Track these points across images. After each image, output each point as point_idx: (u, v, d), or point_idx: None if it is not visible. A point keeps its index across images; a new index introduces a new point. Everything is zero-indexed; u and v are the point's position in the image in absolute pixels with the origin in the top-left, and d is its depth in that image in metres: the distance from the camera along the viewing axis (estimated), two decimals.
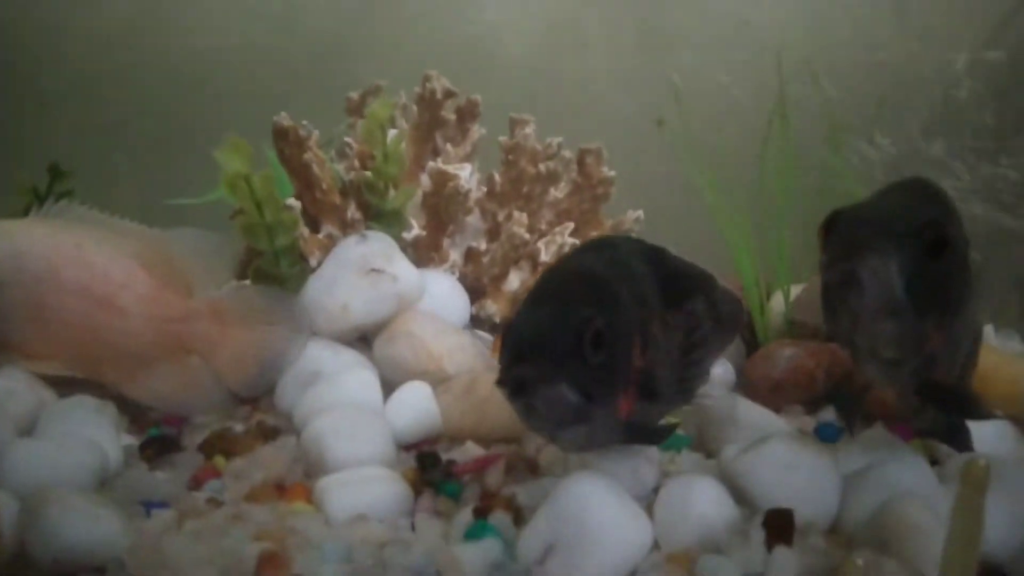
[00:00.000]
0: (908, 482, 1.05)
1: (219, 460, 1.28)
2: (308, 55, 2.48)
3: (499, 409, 1.30)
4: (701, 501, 0.97)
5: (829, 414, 1.48)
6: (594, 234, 1.83)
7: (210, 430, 1.36)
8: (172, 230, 1.46)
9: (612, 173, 1.77)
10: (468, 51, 2.48)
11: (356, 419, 1.26)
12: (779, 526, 0.93)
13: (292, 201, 1.48)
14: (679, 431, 1.35)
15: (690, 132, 1.94)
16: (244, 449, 1.30)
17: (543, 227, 1.80)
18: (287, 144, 1.58)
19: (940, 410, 1.12)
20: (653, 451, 1.14)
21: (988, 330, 2.02)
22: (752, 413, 1.31)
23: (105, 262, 1.37)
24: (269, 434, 1.35)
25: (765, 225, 1.77)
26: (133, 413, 1.42)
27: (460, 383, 1.38)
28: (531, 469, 1.20)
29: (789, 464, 1.04)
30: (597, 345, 0.93)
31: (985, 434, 1.31)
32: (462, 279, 1.73)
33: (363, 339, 1.55)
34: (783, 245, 1.76)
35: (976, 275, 1.11)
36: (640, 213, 1.84)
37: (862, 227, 0.94)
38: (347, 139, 1.66)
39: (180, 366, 1.42)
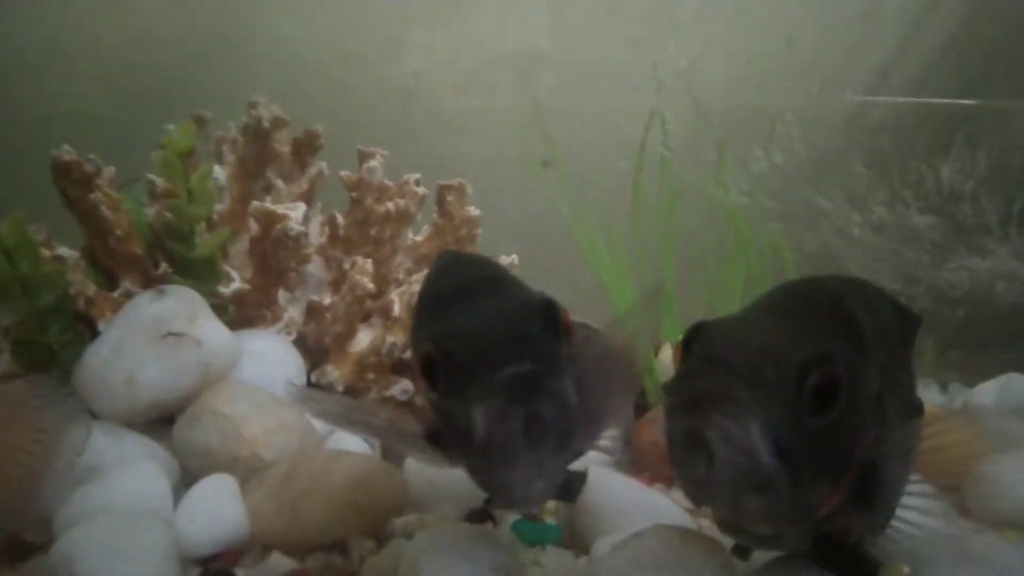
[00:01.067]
0: None
1: None
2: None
3: (321, 506, 1.04)
4: None
5: None
6: None
7: None
8: None
9: (476, 212, 1.55)
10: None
11: (123, 530, 0.98)
12: None
13: (64, 250, 1.20)
14: (548, 519, 1.12)
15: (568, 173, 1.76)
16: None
17: (400, 275, 1.57)
18: (70, 183, 1.30)
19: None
20: (502, 553, 0.90)
21: None
22: (633, 494, 1.08)
23: None
24: (19, 553, 1.05)
25: (647, 272, 1.59)
26: None
27: (275, 474, 1.12)
28: None
29: (666, 565, 0.81)
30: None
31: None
32: (301, 340, 1.47)
33: (169, 421, 1.26)
34: (670, 294, 1.58)
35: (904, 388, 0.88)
36: (514, 258, 1.61)
37: (717, 366, 0.68)
38: (151, 176, 1.38)
39: None
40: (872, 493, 0.75)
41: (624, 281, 1.54)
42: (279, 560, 1.01)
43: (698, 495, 0.71)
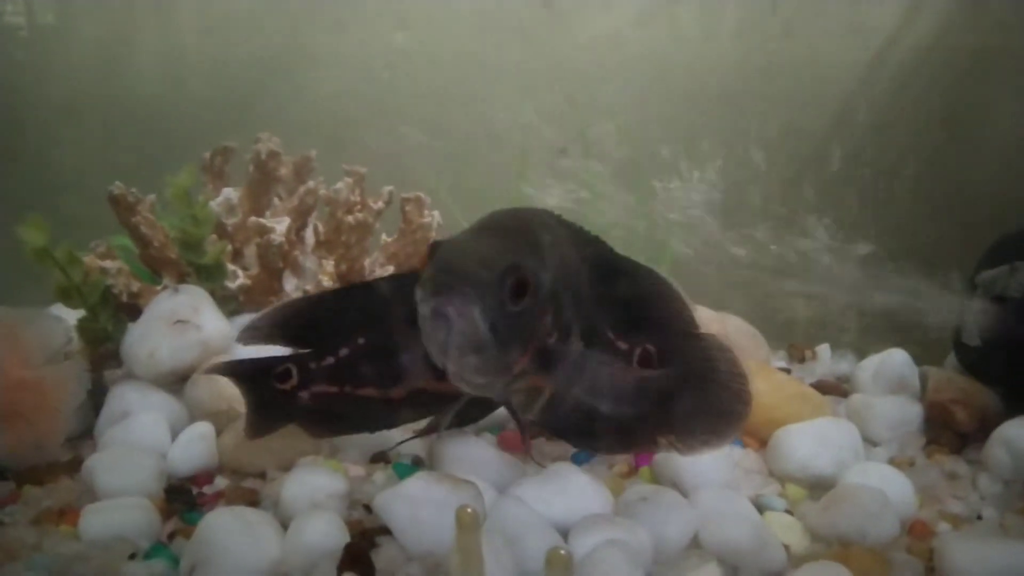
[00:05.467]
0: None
1: (27, 489, 1.61)
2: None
3: (249, 448, 1.59)
4: (310, 531, 1.23)
5: None
6: None
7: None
8: (17, 309, 1.76)
9: (429, 220, 2.02)
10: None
11: (125, 456, 1.57)
12: (352, 557, 1.17)
13: (109, 263, 1.81)
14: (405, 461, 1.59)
15: None
16: (50, 479, 1.63)
17: (376, 269, 2.07)
18: (121, 209, 1.90)
19: None
20: (338, 481, 1.40)
21: (823, 349, 2.16)
22: (467, 450, 1.53)
23: None
24: (76, 466, 1.68)
25: None
26: None
27: (238, 424, 1.67)
28: (251, 503, 1.47)
29: (419, 499, 1.27)
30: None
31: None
32: None
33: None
34: None
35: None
36: None
37: (451, 270, 1.14)
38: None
39: (18, 425, 1.70)
40: (548, 361, 1.25)
41: None
42: (221, 481, 1.57)
43: (438, 356, 1.17)
